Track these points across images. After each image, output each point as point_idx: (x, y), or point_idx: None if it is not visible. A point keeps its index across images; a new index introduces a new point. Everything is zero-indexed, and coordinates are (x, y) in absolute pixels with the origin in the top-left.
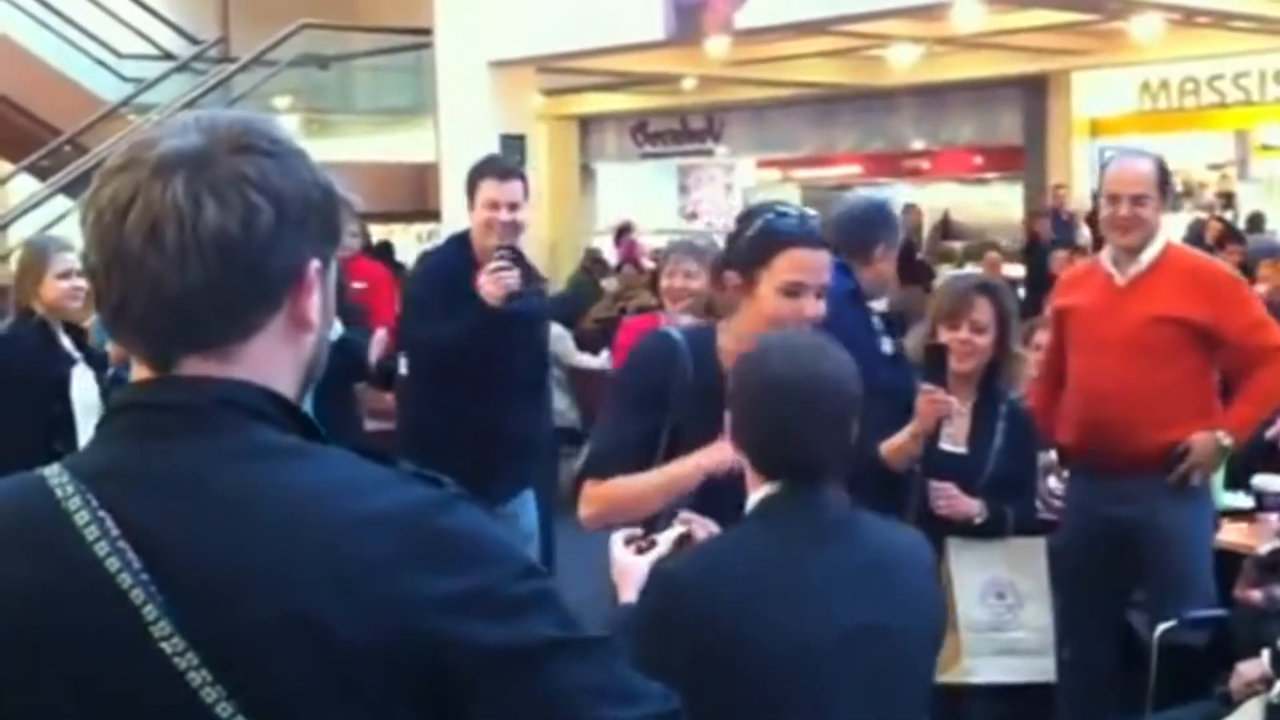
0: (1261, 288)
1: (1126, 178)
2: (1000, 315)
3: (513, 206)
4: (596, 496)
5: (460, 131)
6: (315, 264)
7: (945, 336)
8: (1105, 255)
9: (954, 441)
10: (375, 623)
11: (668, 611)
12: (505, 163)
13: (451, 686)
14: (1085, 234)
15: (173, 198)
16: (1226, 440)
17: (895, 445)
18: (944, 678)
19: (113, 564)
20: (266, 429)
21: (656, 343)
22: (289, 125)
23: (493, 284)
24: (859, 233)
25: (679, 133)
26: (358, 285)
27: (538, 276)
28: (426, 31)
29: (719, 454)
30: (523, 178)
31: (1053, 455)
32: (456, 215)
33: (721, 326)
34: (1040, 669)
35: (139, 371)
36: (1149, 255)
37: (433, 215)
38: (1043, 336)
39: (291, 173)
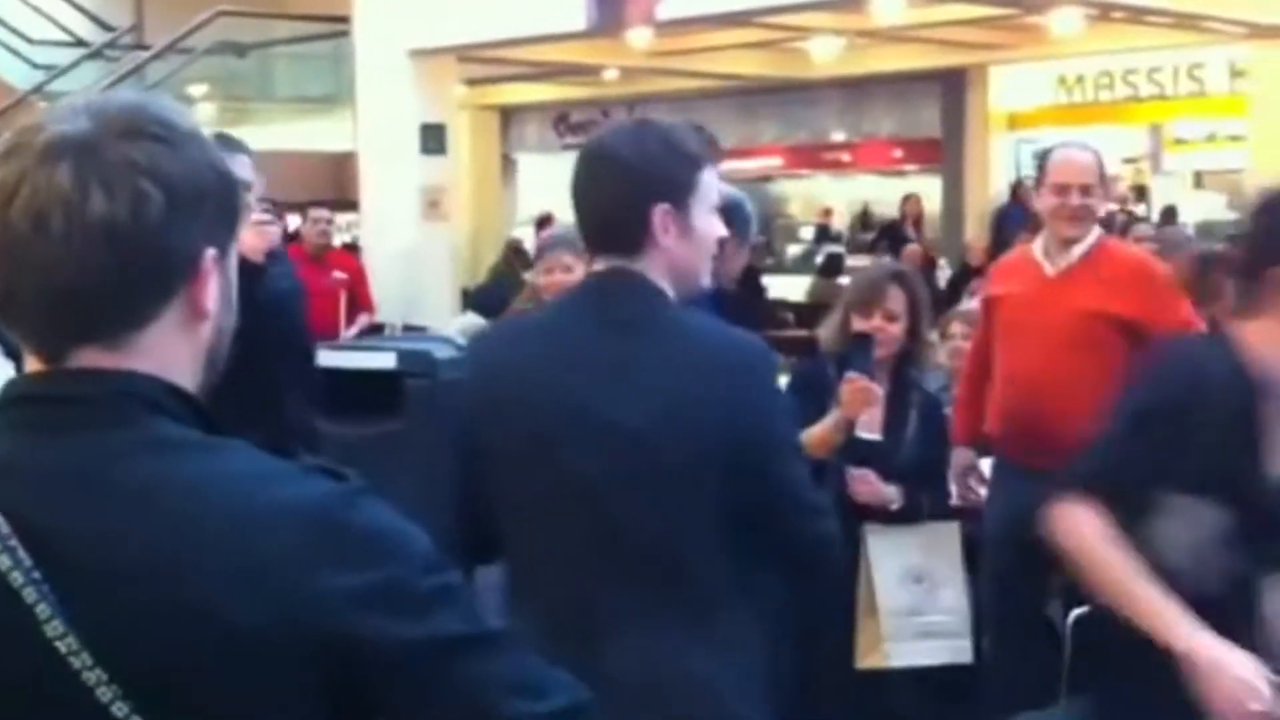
0: None
1: (1076, 168)
2: (912, 303)
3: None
4: (1078, 535)
5: (379, 120)
6: (211, 252)
7: (859, 325)
8: (1036, 246)
9: (869, 429)
10: (281, 617)
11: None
12: (229, 140)
13: (361, 682)
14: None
15: (59, 185)
16: None
17: (818, 434)
18: (865, 663)
19: (3, 562)
20: (166, 422)
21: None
22: (205, 113)
23: (256, 235)
24: None
25: (601, 124)
26: (339, 275)
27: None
28: (345, 19)
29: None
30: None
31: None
32: (376, 204)
33: (1251, 329)
34: (958, 650)
35: (31, 363)
36: (1081, 248)
37: (351, 205)
38: (958, 326)
39: (184, 158)
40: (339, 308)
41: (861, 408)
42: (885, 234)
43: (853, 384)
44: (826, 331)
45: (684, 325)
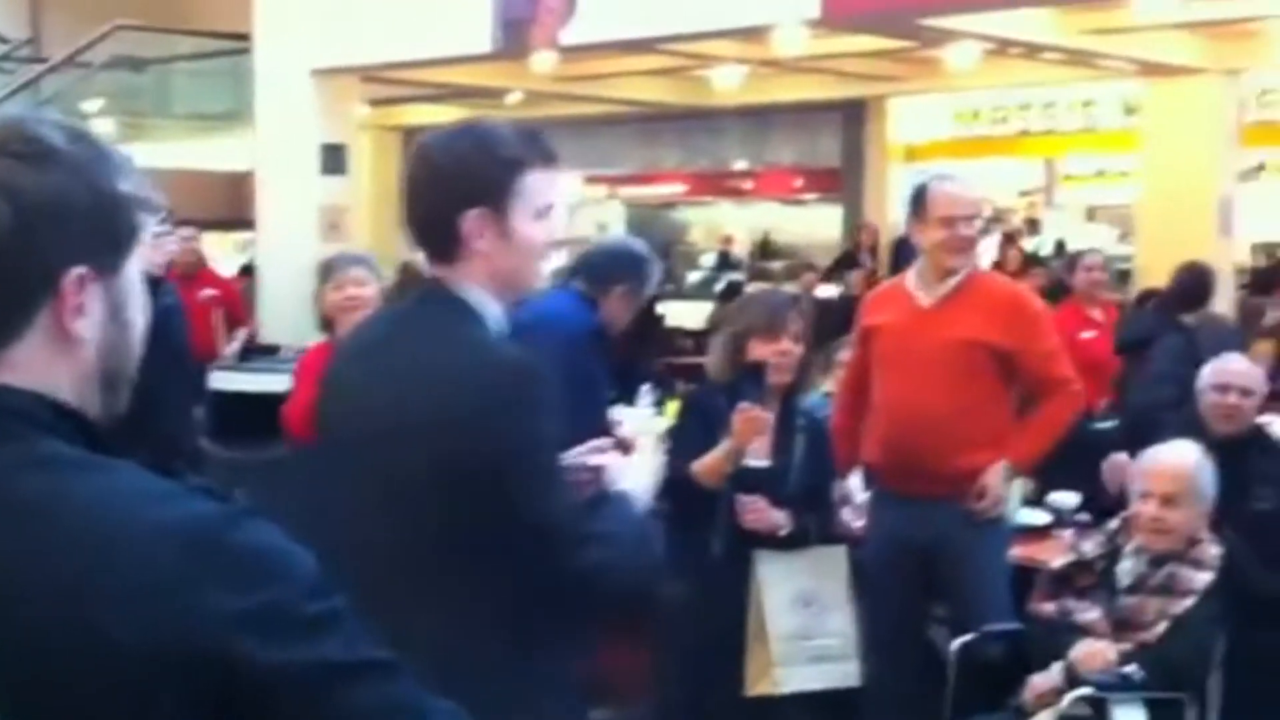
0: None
1: (965, 200)
2: (806, 329)
3: None
4: None
5: (279, 140)
6: (78, 272)
7: (760, 351)
8: (911, 277)
9: (758, 455)
10: (163, 637)
11: None
12: None
13: (240, 705)
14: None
15: None
16: (1011, 468)
17: (709, 464)
18: (755, 690)
19: None
20: (51, 439)
21: None
22: (101, 129)
23: (151, 248)
24: (604, 269)
25: None
26: (210, 293)
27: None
28: (246, 37)
29: None
30: None
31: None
32: (273, 224)
33: None
34: (846, 674)
35: None
36: (955, 278)
37: (248, 224)
38: (848, 354)
39: (48, 177)
40: (213, 326)
41: (753, 437)
42: (841, 262)
43: (745, 414)
44: (715, 360)
45: (454, 343)
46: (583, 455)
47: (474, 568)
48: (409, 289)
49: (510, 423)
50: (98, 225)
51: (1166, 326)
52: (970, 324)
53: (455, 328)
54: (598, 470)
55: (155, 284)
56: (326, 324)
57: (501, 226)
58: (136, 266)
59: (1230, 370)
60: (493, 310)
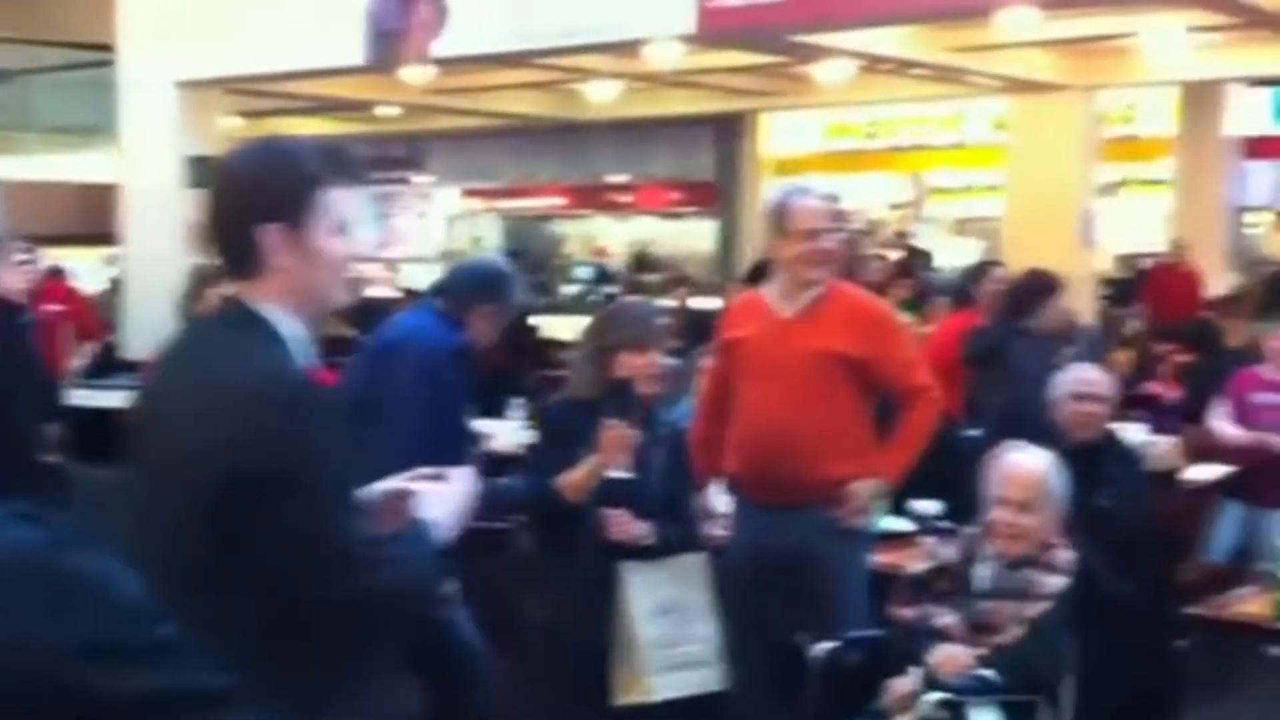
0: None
1: (818, 213)
2: (672, 340)
3: None
4: None
5: (144, 152)
6: None
7: (633, 362)
8: (770, 289)
9: (620, 467)
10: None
11: None
12: None
13: None
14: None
15: None
16: (879, 485)
17: (575, 480)
18: (625, 699)
19: None
20: None
21: None
22: None
23: (16, 275)
24: (466, 288)
25: (378, 160)
26: (53, 308)
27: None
28: (110, 48)
29: None
30: None
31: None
32: (139, 238)
33: None
34: (711, 679)
35: None
36: (815, 290)
37: (113, 238)
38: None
39: None
40: (58, 340)
41: (619, 454)
42: (758, 272)
43: (611, 431)
44: (580, 375)
45: (238, 361)
46: (396, 483)
47: (251, 589)
48: (199, 292)
49: (284, 443)
50: None
51: (1011, 334)
52: (829, 335)
53: (243, 346)
54: (405, 497)
55: (17, 310)
56: None
57: (300, 242)
58: None
59: (1087, 380)
60: (291, 327)
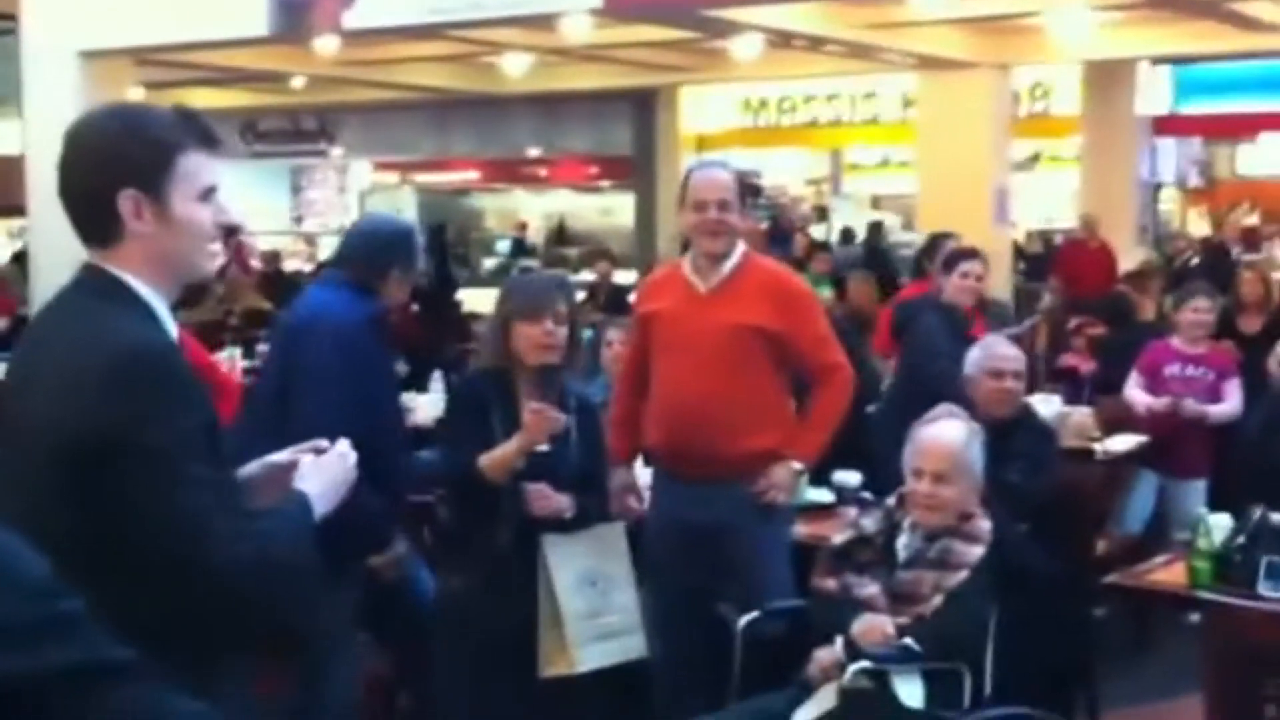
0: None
1: (711, 185)
2: (571, 310)
3: None
4: None
5: (48, 123)
6: None
7: (524, 332)
8: (686, 263)
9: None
10: None
11: None
12: None
13: None
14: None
15: None
16: (799, 467)
17: (499, 459)
18: (550, 672)
19: None
20: None
21: None
22: None
23: None
24: (373, 255)
25: (290, 132)
26: None
27: None
28: (12, 16)
29: None
30: None
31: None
32: (45, 210)
33: None
34: (634, 646)
35: None
36: (730, 263)
37: (19, 211)
38: (615, 334)
39: None
40: None
41: (544, 434)
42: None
43: (537, 412)
44: (487, 347)
45: (89, 329)
46: (279, 456)
47: (111, 567)
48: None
49: (130, 412)
50: None
51: (924, 306)
52: (746, 309)
53: (98, 314)
54: (287, 470)
55: None
56: None
57: (159, 209)
58: None
59: (1002, 355)
60: (151, 295)
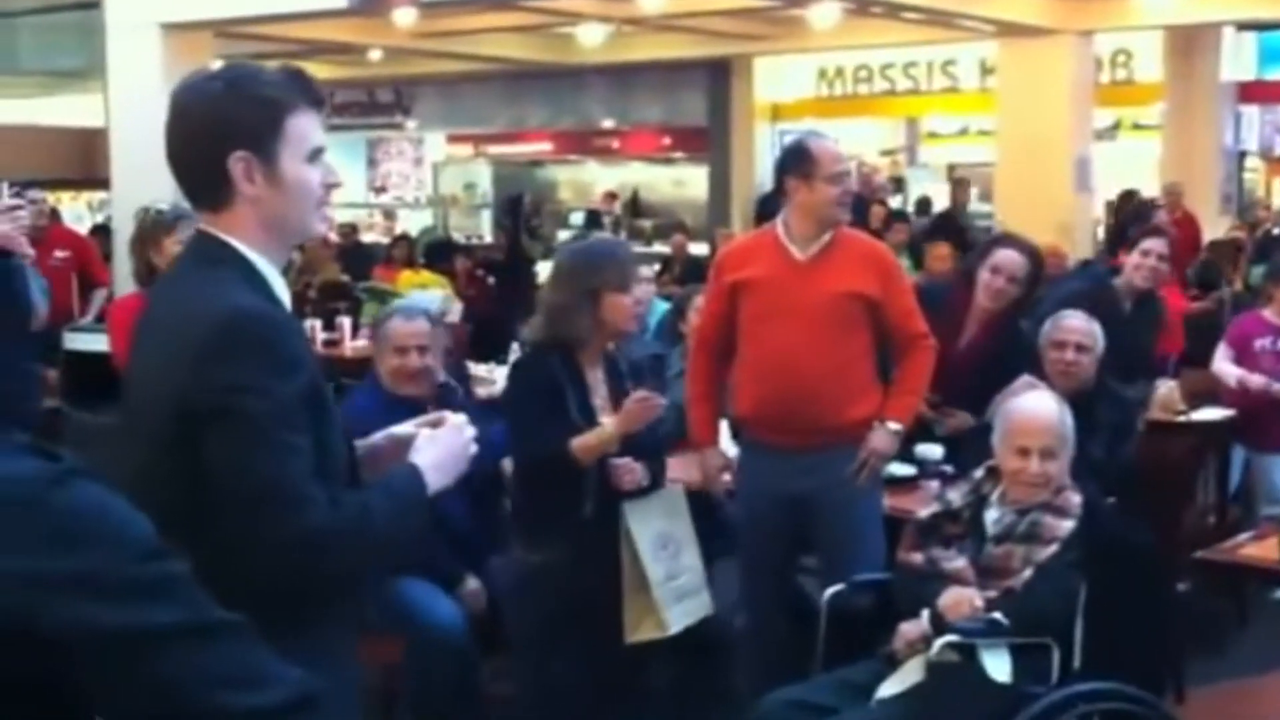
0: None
1: (840, 156)
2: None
3: None
4: None
5: (131, 96)
6: None
7: (615, 304)
8: (780, 231)
9: (604, 412)
10: None
11: None
12: None
13: (63, 666)
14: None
15: None
16: (897, 428)
17: (595, 445)
18: (638, 636)
19: None
20: None
21: None
22: None
23: (8, 221)
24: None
25: (367, 105)
26: (62, 254)
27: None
28: None
29: None
30: None
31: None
32: (127, 183)
33: None
34: (705, 604)
35: None
36: (829, 234)
37: (102, 183)
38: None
39: None
40: (69, 288)
41: (644, 423)
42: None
43: (643, 401)
44: (566, 319)
45: (186, 294)
46: (401, 428)
47: (211, 535)
48: (144, 242)
49: (226, 377)
50: None
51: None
52: (848, 277)
53: (206, 282)
54: (400, 442)
55: (5, 257)
56: (154, 276)
57: (269, 171)
58: None
59: (1067, 326)
60: (260, 258)
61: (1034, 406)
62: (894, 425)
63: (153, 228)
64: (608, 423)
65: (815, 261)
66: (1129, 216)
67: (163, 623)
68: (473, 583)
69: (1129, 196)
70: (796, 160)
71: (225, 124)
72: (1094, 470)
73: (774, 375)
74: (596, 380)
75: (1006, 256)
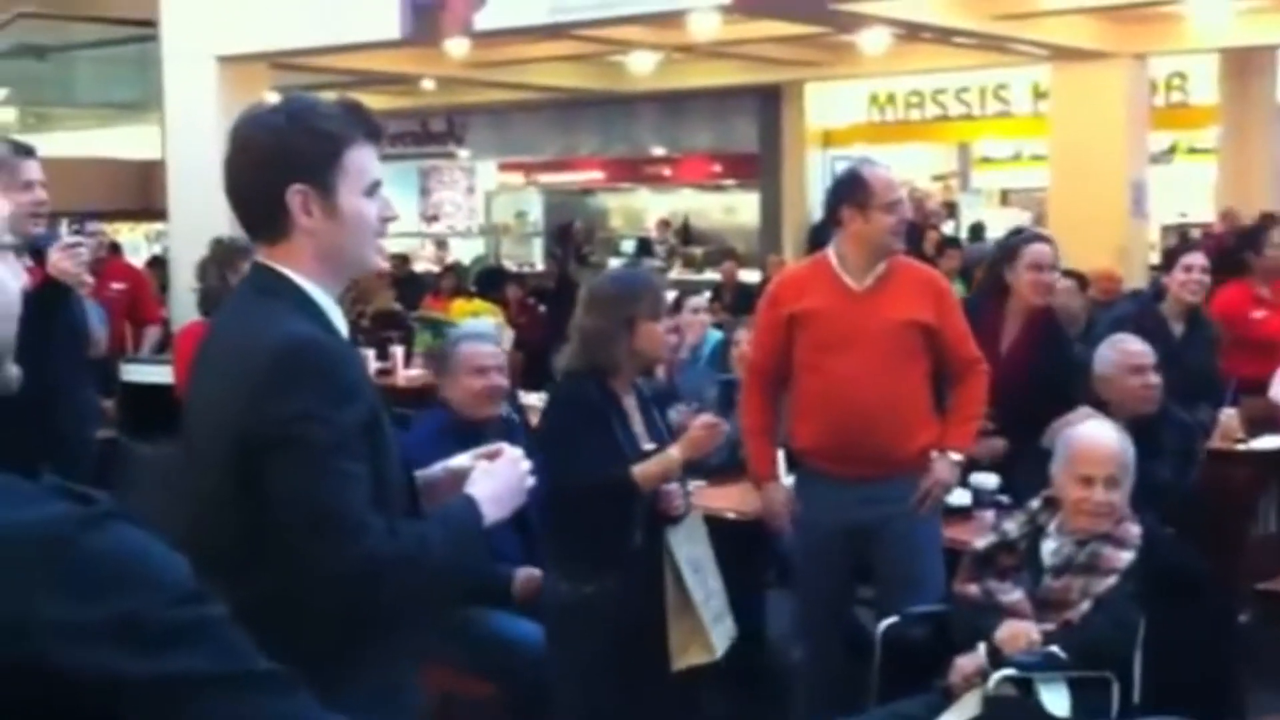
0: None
1: (895, 185)
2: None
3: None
4: None
5: (187, 127)
6: None
7: (650, 332)
8: (834, 262)
9: (646, 439)
10: None
11: None
12: (14, 145)
13: (97, 715)
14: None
15: None
16: (959, 458)
17: (657, 472)
18: (685, 662)
19: None
20: None
21: None
22: (4, 118)
23: (66, 258)
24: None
25: (419, 134)
26: (118, 287)
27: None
28: (152, 23)
29: None
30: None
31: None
32: (184, 214)
33: None
34: (731, 628)
35: None
36: (884, 263)
37: (159, 214)
38: (744, 335)
39: None
40: (123, 321)
41: (709, 449)
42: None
43: (709, 425)
44: (601, 346)
45: (244, 325)
46: (460, 460)
47: (270, 566)
48: (220, 264)
49: (284, 407)
50: None
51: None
52: (906, 305)
53: (265, 314)
54: (458, 475)
55: (64, 290)
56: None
57: (327, 203)
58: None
59: (1139, 350)
60: (317, 290)
61: (1097, 434)
62: (955, 455)
63: (229, 252)
64: (674, 450)
65: (872, 291)
66: (1244, 240)
67: (198, 670)
68: (521, 572)
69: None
70: (851, 189)
71: (285, 156)
72: (1159, 493)
73: (835, 407)
74: (631, 407)
75: (1041, 251)
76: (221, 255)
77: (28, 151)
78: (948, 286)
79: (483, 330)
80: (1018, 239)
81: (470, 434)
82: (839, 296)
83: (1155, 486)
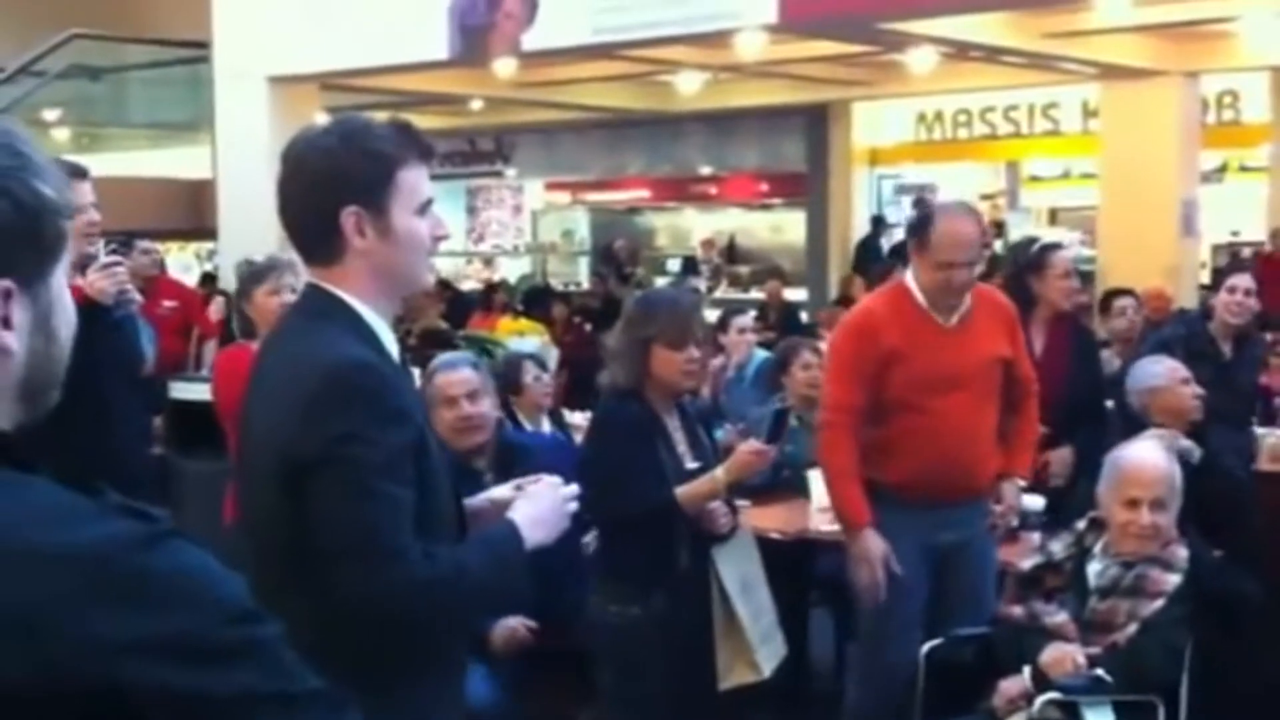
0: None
1: (967, 242)
2: (704, 329)
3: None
4: None
5: (238, 148)
6: (3, 285)
7: (666, 358)
8: (918, 295)
9: (689, 459)
10: (43, 666)
11: None
12: (67, 165)
13: None
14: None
15: None
16: (1024, 483)
17: (703, 493)
18: (732, 682)
19: None
20: None
21: None
22: (59, 138)
23: (104, 278)
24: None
25: (467, 154)
26: (170, 304)
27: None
28: (204, 44)
29: None
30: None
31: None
32: (234, 233)
33: None
34: (781, 646)
35: None
36: (970, 297)
37: (209, 234)
38: (812, 358)
39: None
40: (175, 338)
41: (755, 473)
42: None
43: (757, 451)
44: (620, 366)
45: (295, 346)
46: (504, 489)
47: (312, 586)
48: (248, 291)
49: (331, 428)
50: (22, 235)
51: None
52: (992, 342)
53: (315, 335)
54: (501, 505)
55: (104, 310)
56: (251, 328)
57: (380, 224)
58: (62, 274)
59: (1178, 364)
60: (369, 311)
61: (1144, 456)
62: (1021, 481)
63: (243, 280)
64: (719, 472)
65: (960, 328)
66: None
67: (254, 688)
68: (503, 625)
69: None
70: (918, 229)
71: (338, 178)
72: (1237, 486)
73: (939, 445)
74: (674, 426)
75: (1068, 258)
76: (239, 287)
77: (82, 174)
78: (1016, 314)
79: (457, 358)
80: (1043, 248)
81: (456, 471)
82: (930, 333)
83: (1231, 479)
